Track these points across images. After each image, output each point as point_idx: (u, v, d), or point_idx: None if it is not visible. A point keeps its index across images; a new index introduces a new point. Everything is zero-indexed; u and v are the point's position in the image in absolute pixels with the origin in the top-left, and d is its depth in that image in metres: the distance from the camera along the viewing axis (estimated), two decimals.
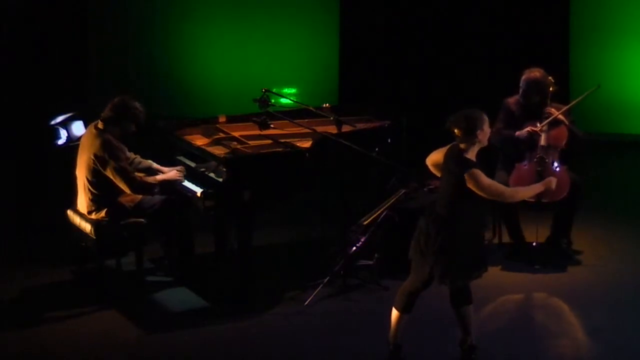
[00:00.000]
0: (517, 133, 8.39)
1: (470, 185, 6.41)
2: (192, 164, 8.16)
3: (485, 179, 6.45)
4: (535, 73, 8.44)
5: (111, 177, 7.75)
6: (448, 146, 6.61)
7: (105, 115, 7.88)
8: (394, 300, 6.74)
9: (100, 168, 7.76)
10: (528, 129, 8.34)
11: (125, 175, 7.76)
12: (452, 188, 6.50)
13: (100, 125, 7.87)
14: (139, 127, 7.95)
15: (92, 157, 7.78)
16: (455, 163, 6.49)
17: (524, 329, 7.40)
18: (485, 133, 6.52)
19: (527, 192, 6.86)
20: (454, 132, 6.52)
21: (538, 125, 8.35)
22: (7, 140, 11.63)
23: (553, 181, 6.82)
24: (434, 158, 6.70)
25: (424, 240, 6.55)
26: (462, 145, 6.52)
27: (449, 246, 6.46)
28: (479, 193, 6.43)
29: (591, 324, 7.44)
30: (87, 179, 7.83)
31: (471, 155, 6.51)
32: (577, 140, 8.45)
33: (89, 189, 7.84)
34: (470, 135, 6.48)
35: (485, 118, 6.54)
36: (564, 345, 7.17)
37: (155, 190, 7.94)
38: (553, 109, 8.38)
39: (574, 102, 8.66)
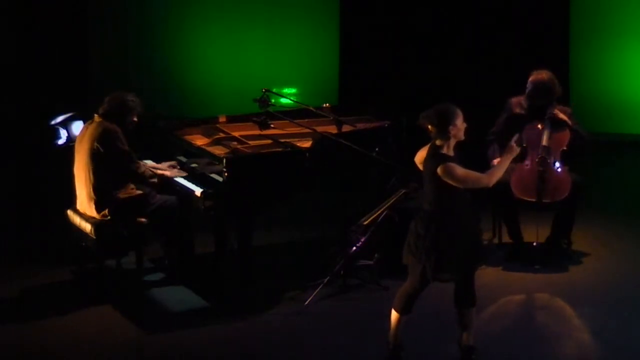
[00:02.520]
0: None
1: (446, 179, 6.41)
2: (185, 160, 8.19)
3: (459, 170, 6.42)
4: (543, 75, 8.39)
5: (116, 161, 7.73)
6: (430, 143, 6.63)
7: (103, 111, 7.88)
8: (394, 302, 6.74)
9: (106, 152, 7.73)
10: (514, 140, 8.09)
11: (130, 157, 7.76)
12: (432, 184, 6.50)
13: (97, 119, 7.87)
14: (138, 117, 7.94)
15: (96, 143, 7.75)
16: (431, 159, 6.51)
17: (525, 330, 7.39)
18: (458, 128, 6.48)
19: (501, 170, 6.58)
20: (427, 128, 6.52)
21: (539, 126, 8.32)
22: (7, 140, 11.64)
23: (515, 148, 6.68)
24: (421, 155, 6.70)
25: (414, 241, 6.56)
26: (437, 142, 6.52)
27: (439, 241, 6.46)
28: (457, 185, 6.42)
29: (592, 324, 7.43)
30: (89, 168, 7.80)
31: (447, 150, 6.49)
32: (583, 141, 8.44)
33: (90, 181, 7.81)
34: (442, 131, 6.46)
35: (458, 113, 6.49)
36: (566, 345, 7.17)
37: (154, 180, 7.92)
38: (557, 110, 8.38)
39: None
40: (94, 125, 7.86)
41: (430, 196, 6.54)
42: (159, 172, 8.02)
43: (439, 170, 6.42)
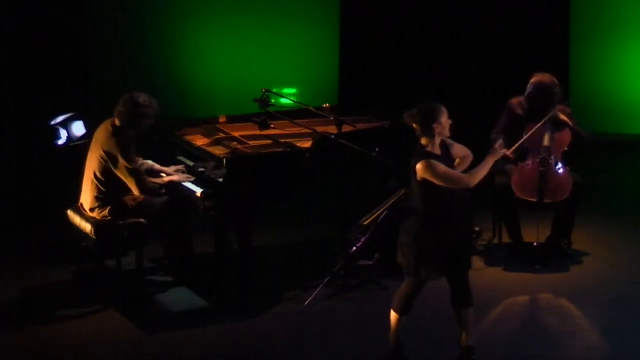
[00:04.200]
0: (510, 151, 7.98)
1: (425, 175, 6.39)
2: (192, 164, 8.17)
3: (440, 167, 6.42)
4: (545, 78, 8.39)
5: (122, 177, 7.74)
6: None
7: (119, 113, 7.85)
8: (392, 303, 6.74)
9: (111, 166, 7.74)
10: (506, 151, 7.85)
11: (137, 176, 7.74)
12: (417, 183, 6.51)
13: (117, 123, 7.85)
14: (154, 120, 7.93)
15: (104, 154, 7.77)
16: (415, 157, 6.51)
17: (529, 330, 7.39)
18: (442, 125, 6.49)
19: (483, 170, 6.56)
20: (412, 127, 6.52)
21: (544, 128, 8.29)
22: (7, 140, 11.63)
23: (499, 149, 6.68)
24: None
25: (404, 239, 6.56)
26: (423, 141, 6.51)
27: (423, 239, 6.47)
28: (437, 182, 6.41)
29: (593, 324, 7.44)
30: (96, 175, 7.81)
31: (432, 148, 6.50)
32: (583, 141, 8.44)
33: (96, 186, 7.83)
34: (427, 129, 6.47)
35: (442, 110, 6.50)
36: (570, 345, 7.17)
37: (162, 191, 7.93)
38: (557, 110, 8.37)
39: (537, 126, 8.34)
40: (110, 130, 7.82)
41: (417, 195, 6.54)
42: (167, 179, 7.99)
43: (418, 166, 6.42)
